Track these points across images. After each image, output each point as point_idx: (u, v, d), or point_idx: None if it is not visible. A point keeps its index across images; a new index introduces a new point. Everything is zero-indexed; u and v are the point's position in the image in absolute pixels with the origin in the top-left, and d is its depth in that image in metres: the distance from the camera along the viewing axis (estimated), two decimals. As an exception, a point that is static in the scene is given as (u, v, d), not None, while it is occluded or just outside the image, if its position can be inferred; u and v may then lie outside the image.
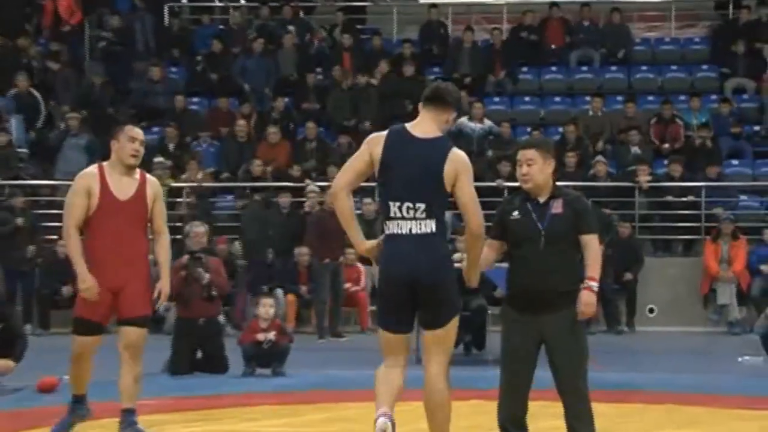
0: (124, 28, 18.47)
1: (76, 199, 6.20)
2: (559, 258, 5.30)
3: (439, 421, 5.19)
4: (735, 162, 16.35)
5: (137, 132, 6.32)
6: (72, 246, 6.17)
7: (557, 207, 5.36)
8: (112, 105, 17.12)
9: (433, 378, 5.17)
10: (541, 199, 5.38)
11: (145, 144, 6.37)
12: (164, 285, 6.33)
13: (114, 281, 6.17)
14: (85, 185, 6.21)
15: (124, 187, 6.23)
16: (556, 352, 5.35)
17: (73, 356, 6.39)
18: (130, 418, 6.24)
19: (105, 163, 6.32)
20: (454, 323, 5.22)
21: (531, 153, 5.37)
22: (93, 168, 6.34)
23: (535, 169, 5.36)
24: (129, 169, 6.26)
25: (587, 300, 5.29)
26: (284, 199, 14.79)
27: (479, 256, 5.29)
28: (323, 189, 14.75)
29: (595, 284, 5.31)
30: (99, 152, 15.51)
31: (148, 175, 6.37)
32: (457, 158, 5.18)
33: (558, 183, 5.48)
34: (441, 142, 5.22)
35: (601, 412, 7.14)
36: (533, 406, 5.53)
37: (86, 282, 6.12)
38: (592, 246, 5.35)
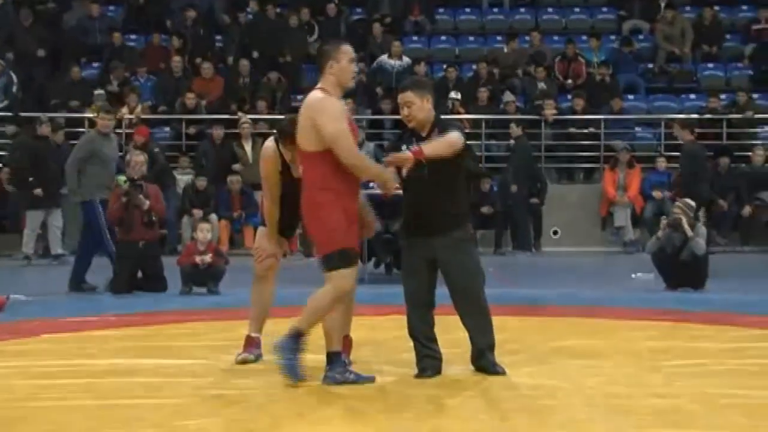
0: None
1: (346, 126, 5.17)
2: (443, 184, 5.39)
3: None
4: (631, 97, 16.53)
5: (353, 52, 5.35)
6: (363, 159, 5.24)
7: (436, 137, 5.40)
8: (41, 45, 16.51)
9: None
10: (424, 134, 5.46)
11: None
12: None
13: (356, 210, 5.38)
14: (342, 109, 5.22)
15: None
16: (448, 270, 5.46)
17: (339, 296, 5.23)
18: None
19: (326, 87, 5.24)
20: None
21: (408, 95, 5.44)
22: (320, 92, 5.22)
23: (415, 108, 5.43)
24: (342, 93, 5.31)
25: (401, 155, 5.25)
26: (218, 131, 14.63)
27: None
28: (255, 121, 14.64)
29: (416, 149, 5.24)
30: (10, 94, 15.19)
31: None
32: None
33: (453, 117, 5.55)
34: None
35: (510, 325, 7.27)
36: (449, 319, 5.61)
37: (387, 174, 5.23)
38: (446, 135, 5.32)
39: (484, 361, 5.50)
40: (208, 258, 9.47)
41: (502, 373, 5.44)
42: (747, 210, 14.34)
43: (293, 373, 5.21)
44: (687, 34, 17.00)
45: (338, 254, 5.19)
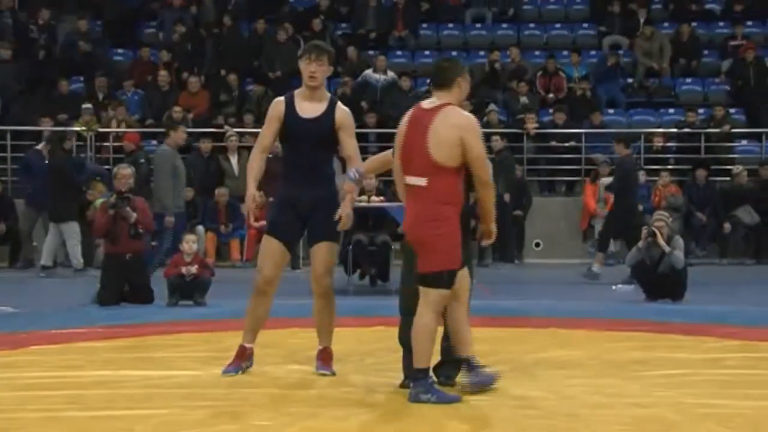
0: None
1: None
2: None
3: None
4: (611, 111, 16.61)
5: None
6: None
7: None
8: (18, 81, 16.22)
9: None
10: None
11: None
12: None
13: None
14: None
15: None
16: None
17: (439, 314, 5.19)
18: None
19: (454, 103, 5.24)
20: None
21: None
22: (458, 109, 5.24)
23: None
24: None
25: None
26: (205, 145, 14.61)
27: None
28: (241, 135, 14.63)
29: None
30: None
31: None
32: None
33: None
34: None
35: (493, 335, 7.27)
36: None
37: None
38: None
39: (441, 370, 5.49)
40: (193, 269, 9.44)
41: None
42: (727, 227, 14.42)
43: (448, 399, 5.10)
44: (665, 49, 17.11)
45: (449, 274, 5.12)
